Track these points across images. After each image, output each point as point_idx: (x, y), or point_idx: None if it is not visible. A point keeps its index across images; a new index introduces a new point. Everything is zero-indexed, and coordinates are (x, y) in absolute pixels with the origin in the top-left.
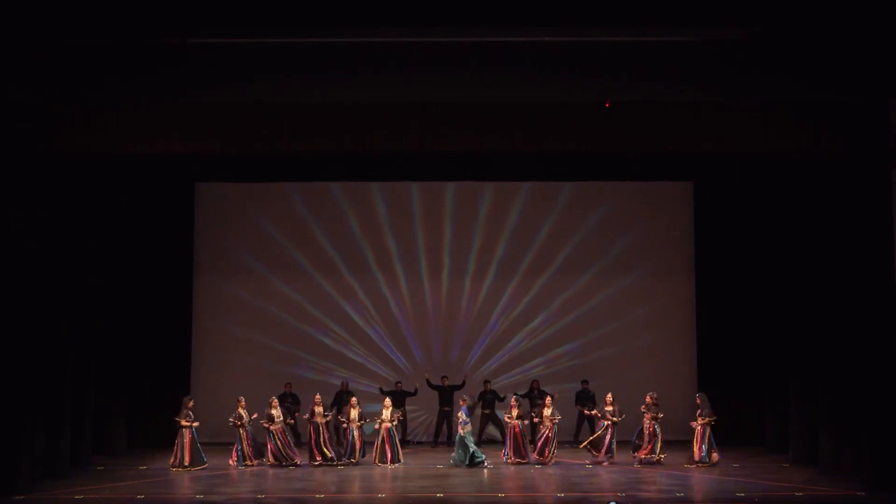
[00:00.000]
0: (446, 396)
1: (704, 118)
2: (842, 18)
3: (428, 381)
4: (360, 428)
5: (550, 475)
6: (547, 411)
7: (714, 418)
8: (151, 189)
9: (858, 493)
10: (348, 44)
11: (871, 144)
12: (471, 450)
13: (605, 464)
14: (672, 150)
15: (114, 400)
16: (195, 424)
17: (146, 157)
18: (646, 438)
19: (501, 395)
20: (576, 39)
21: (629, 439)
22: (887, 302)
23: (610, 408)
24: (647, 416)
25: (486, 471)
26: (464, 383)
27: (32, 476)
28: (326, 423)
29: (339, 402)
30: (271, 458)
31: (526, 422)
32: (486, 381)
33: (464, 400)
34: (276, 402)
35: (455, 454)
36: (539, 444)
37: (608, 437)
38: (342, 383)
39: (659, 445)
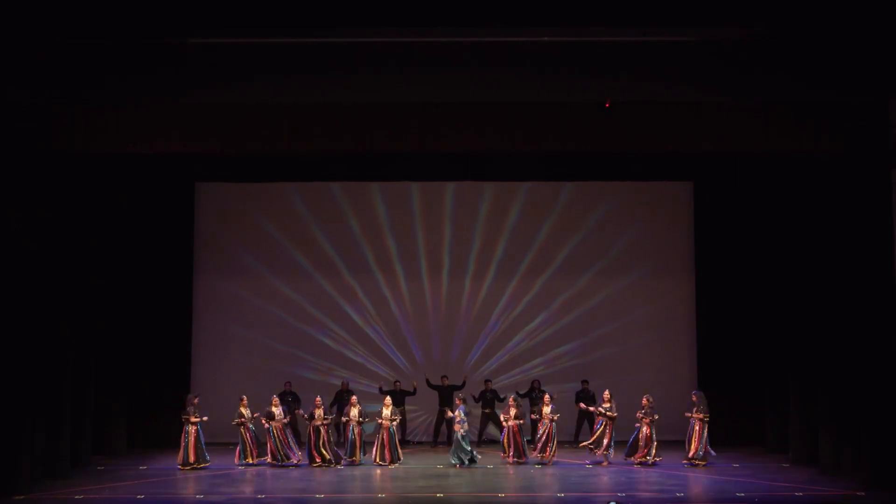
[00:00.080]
0: (446, 396)
1: (704, 118)
2: (842, 18)
3: (427, 381)
4: (359, 425)
5: (550, 475)
6: (546, 409)
7: (707, 416)
8: (151, 189)
9: (858, 493)
10: (348, 44)
11: (871, 144)
12: (467, 448)
13: (604, 463)
14: (672, 150)
15: (114, 400)
16: (204, 419)
17: (146, 157)
18: (641, 443)
19: (501, 396)
20: (576, 39)
21: (627, 439)
22: (887, 302)
23: (607, 404)
24: (646, 420)
25: (481, 470)
26: (464, 383)
27: (32, 476)
28: (327, 425)
29: (340, 401)
30: (269, 458)
31: (522, 421)
32: (486, 381)
33: (460, 399)
34: (276, 400)
35: (454, 453)
36: (540, 442)
37: (607, 435)
38: (342, 382)
39: (654, 450)
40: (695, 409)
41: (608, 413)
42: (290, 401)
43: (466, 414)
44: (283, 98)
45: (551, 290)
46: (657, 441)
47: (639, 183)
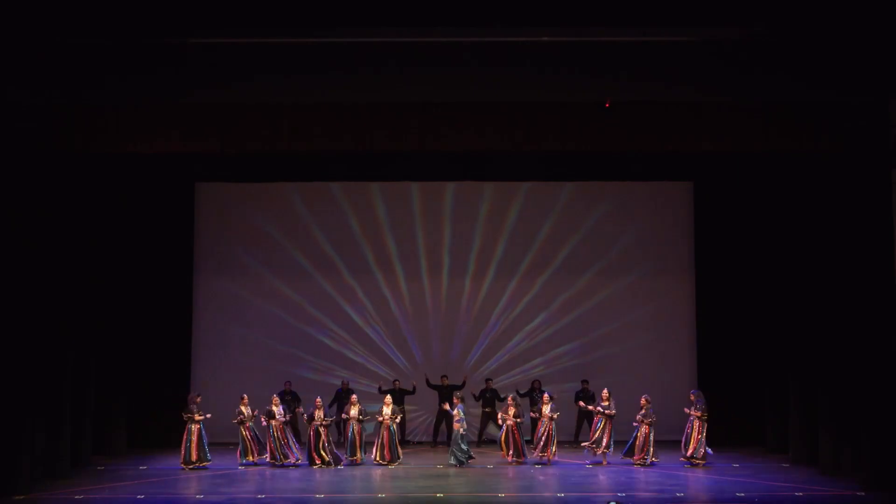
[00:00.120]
0: (446, 396)
1: (704, 118)
2: (842, 18)
3: (427, 381)
4: (359, 423)
5: (550, 475)
6: (546, 408)
7: (706, 415)
8: (151, 189)
9: (858, 493)
10: (348, 44)
11: (871, 144)
12: (464, 448)
13: (603, 462)
14: (672, 150)
15: (114, 400)
16: (207, 416)
17: (146, 157)
18: (640, 444)
19: (502, 395)
20: (576, 39)
21: (626, 440)
22: (887, 302)
23: (606, 402)
24: (645, 422)
25: (481, 470)
26: (464, 383)
27: (32, 476)
28: (327, 426)
29: (340, 400)
30: (268, 457)
31: (521, 420)
32: (487, 380)
33: (458, 398)
34: (276, 399)
35: (451, 452)
36: (540, 442)
37: (606, 434)
38: (342, 382)
39: (652, 450)
40: (693, 408)
41: (606, 411)
42: (290, 400)
43: (465, 413)
44: (283, 98)
45: (551, 290)
46: (656, 442)
47: (639, 183)
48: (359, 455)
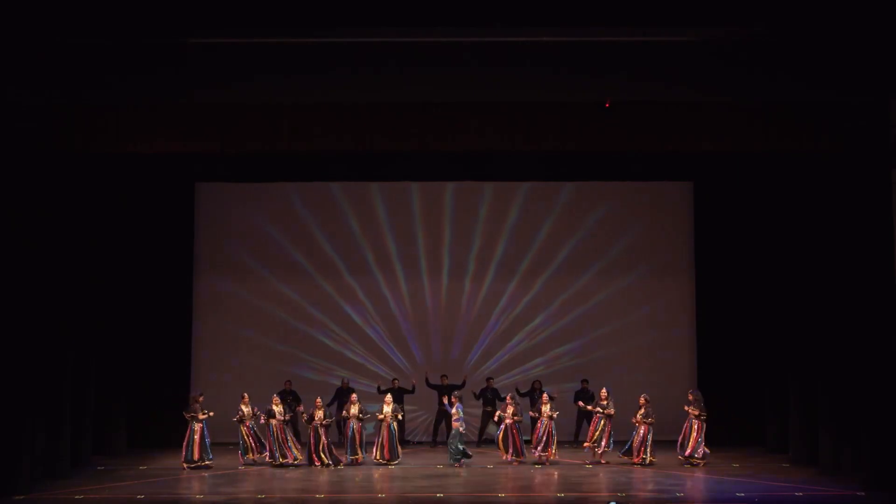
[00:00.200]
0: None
1: (704, 118)
2: (842, 18)
3: (427, 381)
4: (360, 422)
5: (550, 475)
6: (545, 408)
7: (704, 415)
8: (151, 189)
9: (858, 493)
10: (348, 44)
11: (871, 144)
12: (460, 448)
13: (602, 461)
14: (672, 150)
15: (114, 400)
16: (210, 414)
17: (146, 157)
18: (638, 444)
19: (502, 395)
20: (576, 39)
21: (626, 440)
22: (887, 302)
23: (605, 402)
24: (644, 422)
25: (481, 470)
26: (464, 383)
27: (32, 476)
28: (327, 426)
29: (340, 398)
30: (267, 456)
31: (520, 418)
32: (488, 378)
33: (455, 397)
34: (277, 399)
35: (448, 450)
36: (541, 443)
37: (606, 433)
38: (342, 381)
39: (650, 450)
40: (691, 408)
41: (605, 411)
42: (290, 400)
43: (464, 413)
44: (283, 98)
45: (551, 290)
46: (655, 442)
47: (639, 183)
48: (360, 454)
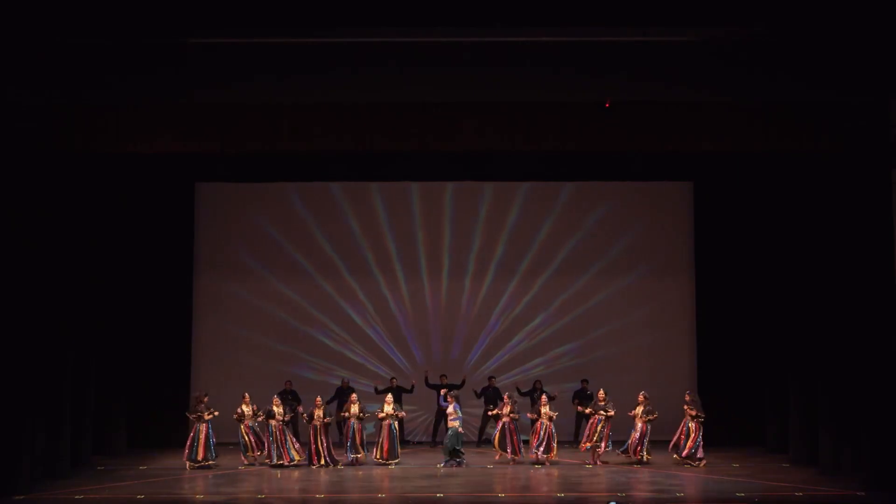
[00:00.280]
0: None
1: (704, 118)
2: (842, 18)
3: (426, 380)
4: (360, 421)
5: (550, 475)
6: (544, 409)
7: (703, 416)
8: (151, 189)
9: (858, 493)
10: (348, 44)
11: (871, 144)
12: (457, 447)
13: (600, 463)
14: (672, 150)
15: (114, 400)
16: (216, 413)
17: (146, 157)
18: (636, 441)
19: (503, 395)
20: (576, 39)
21: (625, 439)
22: (887, 302)
23: (603, 402)
24: (642, 419)
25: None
26: (463, 383)
27: (32, 476)
28: (327, 425)
29: (340, 397)
30: (266, 457)
31: (518, 416)
32: (490, 377)
33: (452, 397)
34: (277, 399)
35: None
36: (542, 445)
37: (605, 434)
38: (342, 380)
39: (647, 448)
40: (689, 408)
41: (602, 411)
42: (291, 400)
43: (462, 412)
44: (283, 98)
45: (551, 290)
46: (652, 440)
47: (639, 183)
48: (362, 452)
